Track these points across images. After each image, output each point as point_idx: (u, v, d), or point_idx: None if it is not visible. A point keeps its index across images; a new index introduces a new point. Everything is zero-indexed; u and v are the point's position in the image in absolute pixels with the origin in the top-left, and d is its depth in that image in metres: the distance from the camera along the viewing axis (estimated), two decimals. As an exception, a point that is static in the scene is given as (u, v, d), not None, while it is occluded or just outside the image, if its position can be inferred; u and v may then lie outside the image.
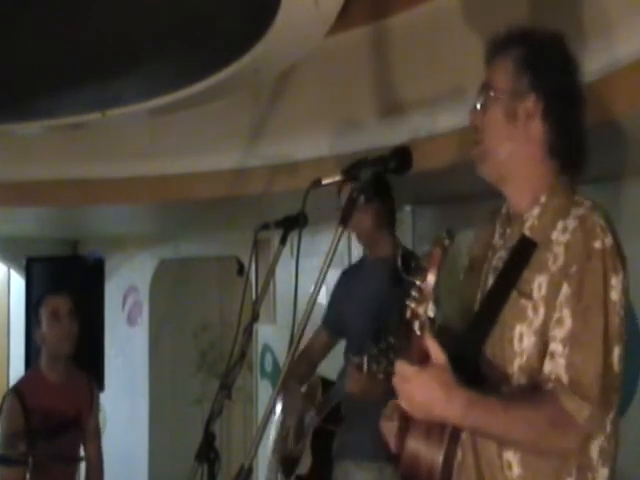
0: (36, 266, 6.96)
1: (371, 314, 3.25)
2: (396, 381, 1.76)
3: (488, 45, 1.98)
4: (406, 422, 1.83)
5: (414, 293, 1.72)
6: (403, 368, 1.73)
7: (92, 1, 2.91)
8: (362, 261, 3.52)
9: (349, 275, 3.51)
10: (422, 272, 1.73)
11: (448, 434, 1.78)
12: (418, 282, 1.72)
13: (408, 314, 1.73)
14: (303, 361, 3.42)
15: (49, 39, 3.12)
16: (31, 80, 3.52)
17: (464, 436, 1.87)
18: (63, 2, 2.87)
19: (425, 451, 1.79)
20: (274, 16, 2.85)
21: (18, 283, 7.35)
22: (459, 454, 1.88)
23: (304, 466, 3.37)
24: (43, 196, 4.73)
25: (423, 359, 1.74)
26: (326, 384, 3.42)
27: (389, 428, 1.97)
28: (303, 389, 3.48)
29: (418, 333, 1.71)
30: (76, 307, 3.88)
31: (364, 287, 3.34)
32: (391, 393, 2.59)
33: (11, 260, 7.31)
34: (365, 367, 2.83)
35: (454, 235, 1.80)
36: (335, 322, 3.47)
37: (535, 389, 1.80)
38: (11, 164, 4.58)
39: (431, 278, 1.72)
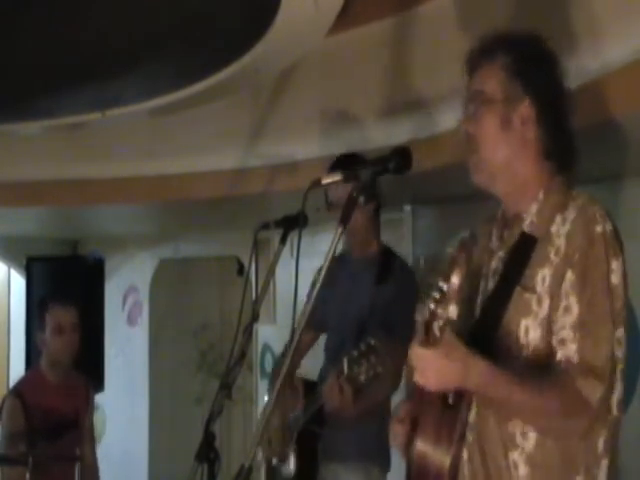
0: (36, 266, 6.96)
1: (353, 314, 3.24)
2: (413, 360, 1.76)
3: (470, 53, 2.00)
4: (415, 424, 1.84)
5: (434, 294, 1.69)
6: (419, 350, 1.73)
7: (92, 1, 2.91)
8: (343, 259, 3.43)
9: (330, 272, 3.45)
10: (444, 273, 1.68)
11: (457, 437, 1.81)
12: (441, 283, 1.68)
13: (427, 314, 1.70)
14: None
15: (49, 39, 3.12)
16: (31, 80, 3.52)
17: (470, 437, 1.89)
18: (63, 2, 2.87)
19: (433, 454, 1.81)
20: (274, 16, 2.85)
21: (18, 283, 7.35)
22: (465, 454, 1.90)
23: (290, 468, 3.36)
24: (43, 196, 4.73)
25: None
26: (307, 385, 3.39)
27: (398, 430, 1.99)
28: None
29: (437, 334, 1.69)
30: (80, 317, 3.91)
31: (347, 286, 3.31)
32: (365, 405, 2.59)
33: (11, 260, 7.31)
34: (346, 370, 2.82)
35: (477, 238, 1.81)
36: (317, 319, 3.45)
37: (549, 370, 1.81)
38: (11, 164, 4.58)
39: (455, 279, 1.68)
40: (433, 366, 1.72)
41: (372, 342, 2.74)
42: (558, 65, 1.96)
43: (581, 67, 2.39)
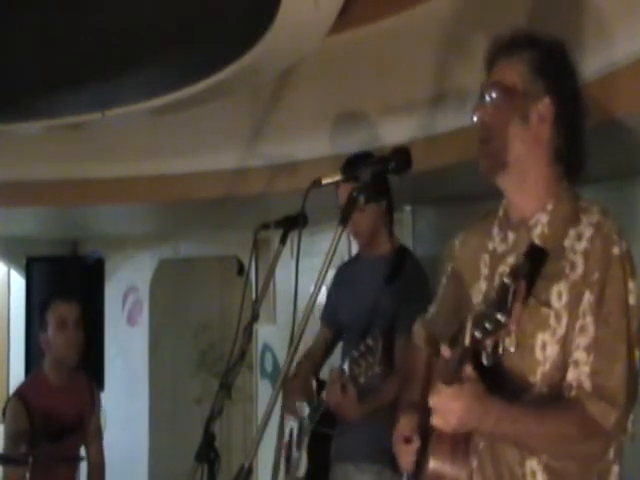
0: (36, 266, 6.95)
1: (361, 315, 3.25)
2: (435, 401, 1.75)
3: (493, 45, 1.96)
4: (425, 442, 1.82)
5: (487, 325, 1.64)
6: (441, 390, 1.73)
7: (92, 1, 2.91)
8: (357, 259, 3.50)
9: (344, 273, 3.50)
10: (505, 307, 1.62)
11: (474, 446, 1.79)
12: (500, 317, 1.62)
13: (468, 341, 1.69)
14: (308, 361, 3.43)
15: (49, 39, 3.12)
16: (31, 80, 3.52)
17: (481, 445, 1.86)
18: (63, 2, 2.87)
19: (451, 471, 1.78)
20: (274, 16, 2.85)
21: (18, 283, 7.34)
22: (474, 462, 1.86)
23: (301, 470, 3.36)
24: (43, 196, 4.73)
25: (455, 374, 1.74)
26: (322, 385, 3.40)
27: (407, 450, 1.96)
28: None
29: (485, 363, 1.67)
30: (83, 314, 3.87)
31: (358, 286, 3.33)
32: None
33: (11, 260, 7.30)
34: (347, 371, 2.82)
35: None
36: (332, 320, 3.47)
37: (559, 397, 1.80)
38: (11, 164, 4.58)
39: (517, 313, 1.63)
40: (458, 404, 1.71)
41: (370, 342, 2.74)
42: (577, 71, 1.95)
43: (587, 65, 2.39)
